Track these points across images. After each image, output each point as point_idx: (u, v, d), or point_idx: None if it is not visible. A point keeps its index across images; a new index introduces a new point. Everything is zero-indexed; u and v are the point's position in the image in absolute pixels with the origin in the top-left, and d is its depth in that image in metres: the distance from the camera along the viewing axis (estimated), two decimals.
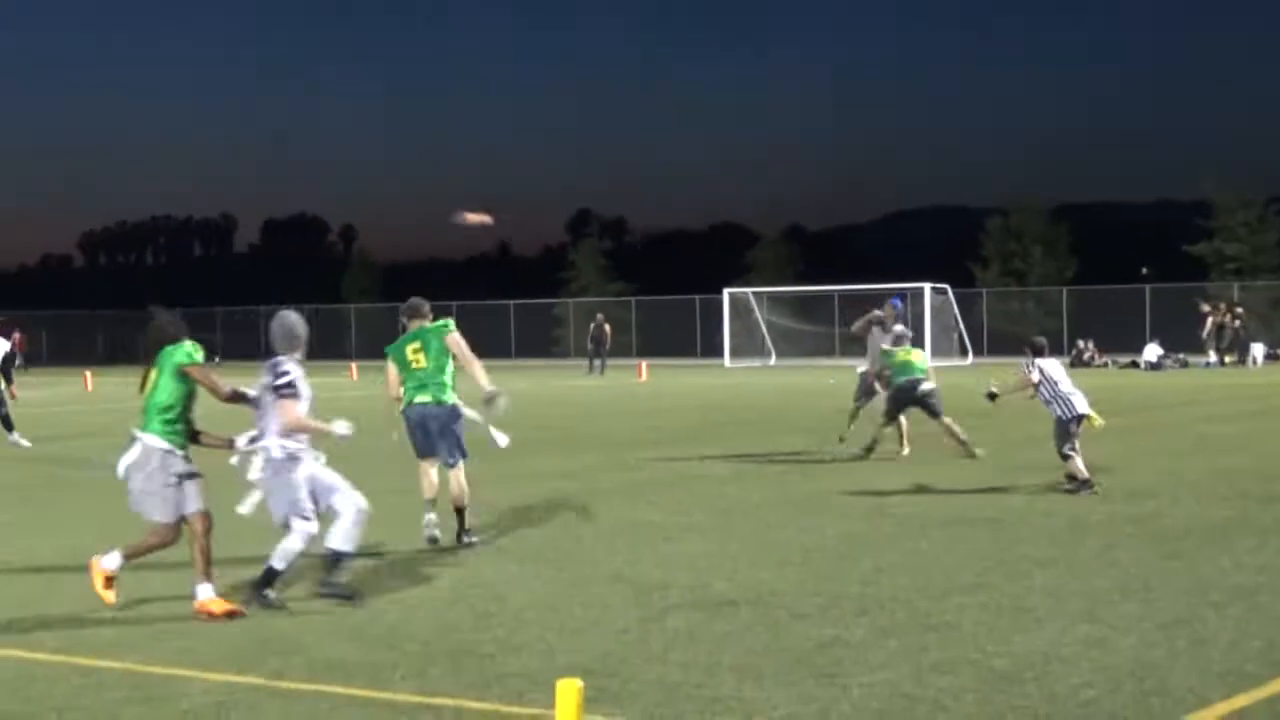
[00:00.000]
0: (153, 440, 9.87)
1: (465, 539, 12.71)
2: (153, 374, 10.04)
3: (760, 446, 22.16)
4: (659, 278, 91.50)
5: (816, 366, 55.67)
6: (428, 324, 12.93)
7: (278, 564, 9.94)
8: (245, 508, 10.20)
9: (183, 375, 9.94)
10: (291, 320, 10.36)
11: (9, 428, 24.59)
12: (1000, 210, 79.24)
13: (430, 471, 12.92)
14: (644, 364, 53.88)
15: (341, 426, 10.11)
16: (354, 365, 59.23)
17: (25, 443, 24.28)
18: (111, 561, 10.01)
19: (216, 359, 63.26)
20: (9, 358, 26.31)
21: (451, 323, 12.92)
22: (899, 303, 22.88)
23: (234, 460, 10.32)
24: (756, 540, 12.94)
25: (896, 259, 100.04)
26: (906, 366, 20.31)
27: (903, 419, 20.42)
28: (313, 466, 10.11)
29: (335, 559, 10.07)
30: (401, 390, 12.95)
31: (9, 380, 25.53)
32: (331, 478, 10.15)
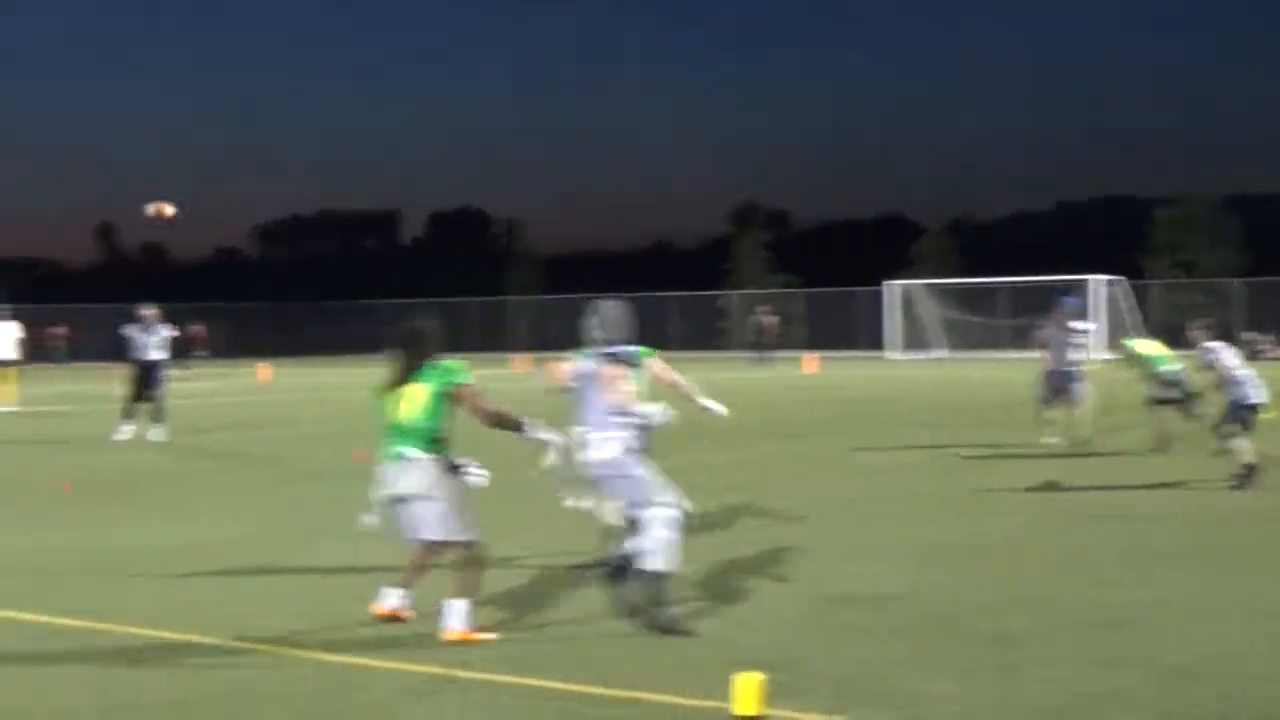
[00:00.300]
0: (430, 458, 8.96)
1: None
2: (415, 390, 9.08)
3: (923, 439, 22.08)
4: (823, 269, 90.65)
5: (983, 359, 55.15)
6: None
7: (663, 568, 9.06)
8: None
9: (451, 396, 9.07)
10: (619, 309, 9.97)
11: (159, 419, 24.34)
12: (1169, 200, 77.67)
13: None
14: (810, 356, 53.71)
15: (660, 415, 9.76)
16: (516, 358, 59.52)
17: (158, 437, 23.96)
18: (390, 600, 9.30)
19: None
20: (180, 342, 26.35)
21: (647, 350, 11.39)
22: (1073, 300, 22.64)
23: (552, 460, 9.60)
24: (919, 534, 12.95)
25: (1063, 250, 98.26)
26: (1157, 361, 19.73)
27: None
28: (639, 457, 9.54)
29: (653, 580, 9.09)
30: (568, 385, 12.41)
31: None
32: (653, 474, 9.43)
